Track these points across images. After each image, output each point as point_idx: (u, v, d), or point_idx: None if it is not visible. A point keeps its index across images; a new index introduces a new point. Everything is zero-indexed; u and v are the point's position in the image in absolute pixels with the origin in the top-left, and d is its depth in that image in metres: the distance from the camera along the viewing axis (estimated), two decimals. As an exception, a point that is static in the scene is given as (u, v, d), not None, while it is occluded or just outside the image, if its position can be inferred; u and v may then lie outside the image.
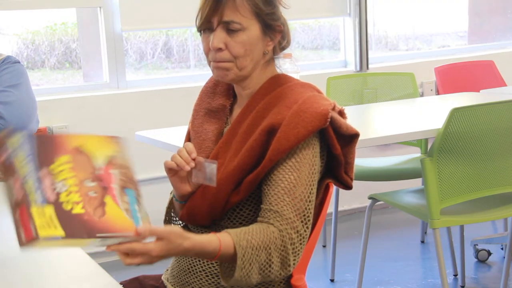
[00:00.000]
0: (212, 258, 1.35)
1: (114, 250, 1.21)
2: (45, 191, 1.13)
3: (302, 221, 1.43)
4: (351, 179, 1.55)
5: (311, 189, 1.45)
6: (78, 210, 1.15)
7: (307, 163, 1.44)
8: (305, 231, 1.44)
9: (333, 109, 1.46)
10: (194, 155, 1.47)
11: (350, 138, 1.50)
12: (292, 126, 1.42)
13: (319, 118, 1.43)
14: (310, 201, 1.45)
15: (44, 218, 1.10)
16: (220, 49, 1.49)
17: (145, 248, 1.22)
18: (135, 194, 1.26)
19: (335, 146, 1.47)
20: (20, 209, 1.11)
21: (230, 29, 1.48)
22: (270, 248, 1.38)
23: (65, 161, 1.17)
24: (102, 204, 1.19)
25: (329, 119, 1.43)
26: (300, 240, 1.43)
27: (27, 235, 1.09)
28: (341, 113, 1.50)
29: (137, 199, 1.26)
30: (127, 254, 1.22)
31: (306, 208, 1.44)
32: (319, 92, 1.55)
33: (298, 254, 1.43)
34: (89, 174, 1.20)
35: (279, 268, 1.40)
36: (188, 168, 1.46)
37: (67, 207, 1.14)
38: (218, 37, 1.48)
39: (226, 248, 1.34)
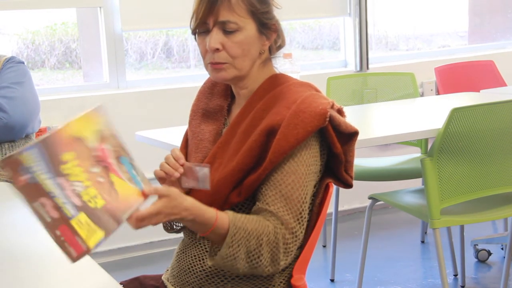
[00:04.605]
0: (207, 230, 1.37)
1: (131, 221, 1.24)
2: (72, 199, 1.09)
3: (298, 222, 1.44)
4: (351, 178, 1.55)
5: (307, 190, 1.46)
6: (100, 203, 1.15)
7: (304, 164, 1.45)
8: (301, 232, 1.45)
9: (332, 107, 1.47)
10: (182, 161, 1.46)
11: (349, 136, 1.50)
12: (291, 127, 1.42)
13: (318, 118, 1.43)
14: (305, 202, 1.46)
15: (84, 227, 1.09)
16: (217, 50, 1.48)
17: (156, 209, 1.27)
18: (129, 159, 1.29)
19: (336, 145, 1.47)
20: (61, 228, 1.06)
21: (226, 30, 1.48)
22: (262, 239, 1.39)
23: (71, 158, 1.14)
24: (111, 184, 1.21)
25: (328, 118, 1.43)
26: (295, 240, 1.44)
27: (77, 251, 1.07)
28: (340, 112, 1.50)
29: (131, 164, 1.29)
30: (139, 220, 1.25)
31: (302, 210, 1.45)
32: (317, 91, 1.55)
33: (290, 253, 1.44)
34: (91, 160, 1.19)
35: (268, 263, 1.41)
36: (177, 174, 1.45)
37: (92, 205, 1.13)
38: (215, 37, 1.48)
39: (221, 221, 1.36)
